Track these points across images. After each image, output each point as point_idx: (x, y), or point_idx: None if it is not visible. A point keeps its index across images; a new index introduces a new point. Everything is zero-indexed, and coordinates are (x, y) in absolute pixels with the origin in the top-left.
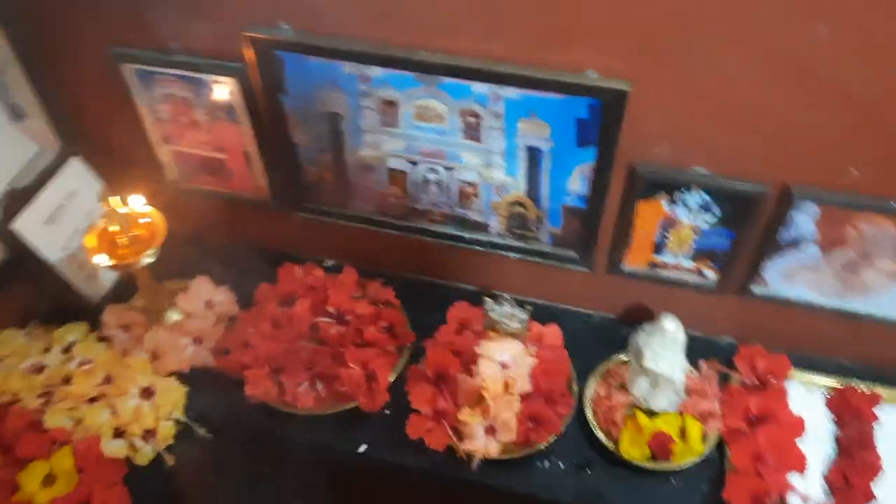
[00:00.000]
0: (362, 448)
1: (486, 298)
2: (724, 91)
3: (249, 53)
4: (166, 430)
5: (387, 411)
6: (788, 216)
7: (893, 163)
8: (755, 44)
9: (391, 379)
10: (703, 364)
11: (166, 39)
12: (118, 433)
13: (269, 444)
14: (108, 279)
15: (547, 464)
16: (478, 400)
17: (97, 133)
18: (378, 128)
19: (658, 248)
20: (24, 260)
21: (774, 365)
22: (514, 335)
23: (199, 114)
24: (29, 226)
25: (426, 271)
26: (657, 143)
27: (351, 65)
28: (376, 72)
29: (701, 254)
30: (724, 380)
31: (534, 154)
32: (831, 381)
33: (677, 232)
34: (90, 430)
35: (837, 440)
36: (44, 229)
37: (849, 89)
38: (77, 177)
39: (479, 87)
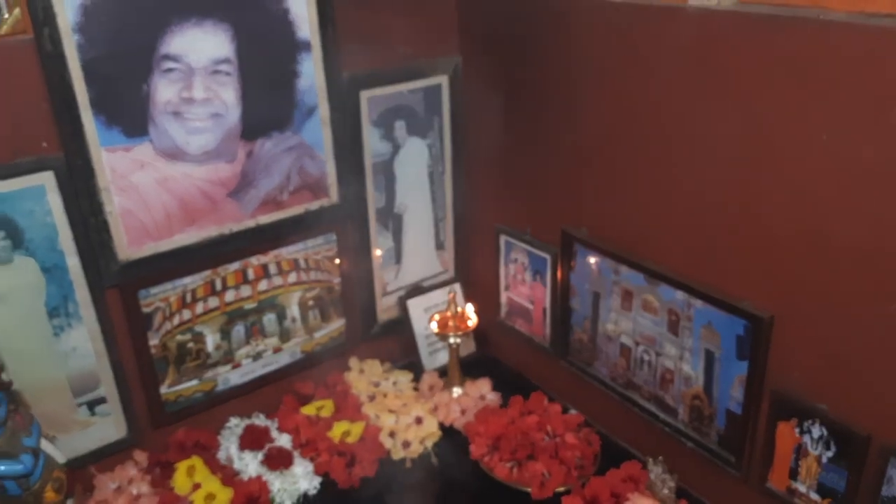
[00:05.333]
0: None
1: (649, 458)
2: (846, 351)
3: (559, 241)
4: (416, 447)
5: None
6: (887, 471)
7: None
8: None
9: (560, 490)
10: None
11: (524, 227)
12: (391, 433)
13: (459, 482)
14: (439, 361)
15: None
16: None
17: (475, 271)
18: (619, 309)
19: (793, 473)
20: (403, 323)
21: None
22: (663, 501)
23: (527, 275)
24: (414, 306)
25: (625, 436)
26: (792, 373)
27: (610, 261)
28: (623, 269)
29: (825, 490)
30: None
31: (709, 356)
32: None
33: (806, 460)
34: (380, 422)
35: None
36: (421, 313)
37: None
38: (453, 292)
39: (679, 295)
